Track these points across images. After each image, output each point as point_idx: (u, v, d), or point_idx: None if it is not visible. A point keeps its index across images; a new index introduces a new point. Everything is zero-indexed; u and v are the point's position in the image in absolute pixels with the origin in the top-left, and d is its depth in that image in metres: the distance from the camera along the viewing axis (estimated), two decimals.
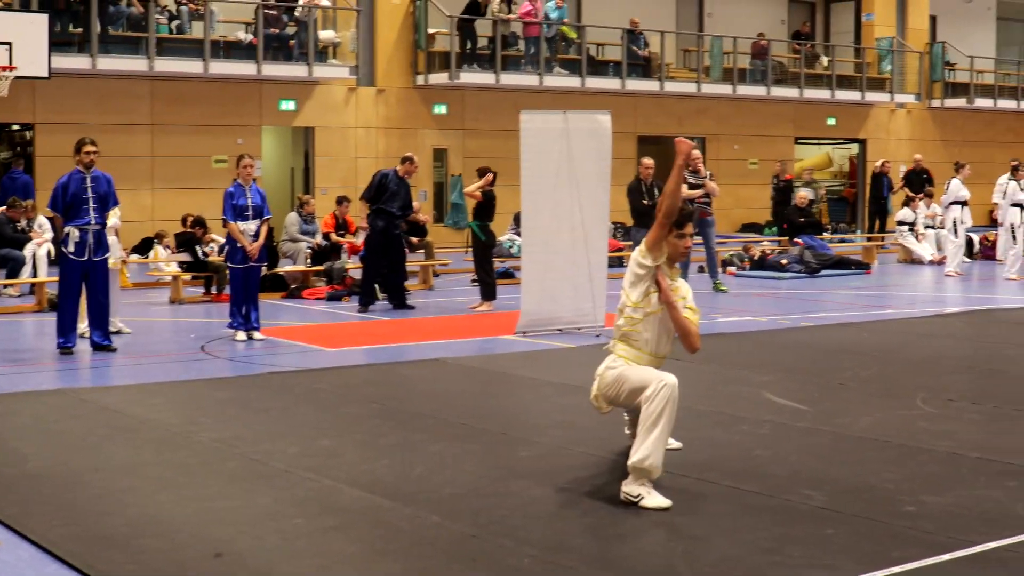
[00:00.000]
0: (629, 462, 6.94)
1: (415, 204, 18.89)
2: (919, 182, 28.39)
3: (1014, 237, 21.78)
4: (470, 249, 17.57)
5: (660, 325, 7.21)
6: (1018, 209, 21.75)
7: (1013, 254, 21.68)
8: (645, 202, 17.78)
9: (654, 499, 6.84)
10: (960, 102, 36.65)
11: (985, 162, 32.08)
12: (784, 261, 22.33)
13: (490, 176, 17.12)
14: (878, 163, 31.47)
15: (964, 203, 22.90)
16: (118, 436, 8.85)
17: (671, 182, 7.14)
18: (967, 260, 24.22)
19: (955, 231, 22.87)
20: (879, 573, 5.82)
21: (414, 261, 18.88)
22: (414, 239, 19.52)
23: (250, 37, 25.38)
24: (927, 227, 25.83)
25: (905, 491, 7.25)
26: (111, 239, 13.43)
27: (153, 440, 8.70)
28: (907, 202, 27.15)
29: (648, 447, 6.87)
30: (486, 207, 17.11)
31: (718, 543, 6.29)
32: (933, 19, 37.80)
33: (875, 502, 7.02)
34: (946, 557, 6.04)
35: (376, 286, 17.16)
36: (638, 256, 7.22)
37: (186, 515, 6.82)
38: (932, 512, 6.82)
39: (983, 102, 36.80)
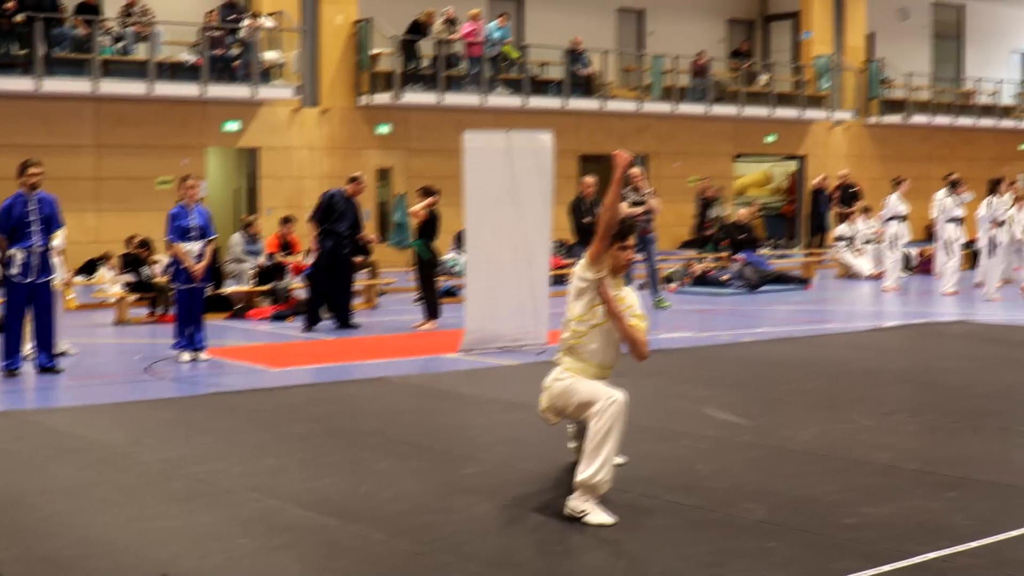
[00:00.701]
0: (576, 478, 6.98)
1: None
2: (848, 196, 28.69)
3: (949, 252, 22.04)
4: (414, 268, 17.64)
5: (606, 337, 7.28)
6: (954, 224, 22.01)
7: (950, 269, 21.98)
8: (587, 220, 17.92)
9: (598, 516, 6.89)
10: (897, 118, 37.07)
11: (922, 177, 32.47)
12: (725, 277, 22.56)
13: (434, 197, 17.23)
14: (817, 179, 31.75)
15: (903, 218, 23.15)
16: (63, 457, 8.83)
17: (610, 195, 7.23)
18: (904, 275, 24.52)
19: (893, 246, 23.16)
20: None
21: (358, 280, 18.93)
22: (358, 258, 19.58)
23: (194, 58, 25.38)
24: (866, 242, 26.16)
25: (845, 503, 7.32)
26: (55, 260, 13.41)
27: (98, 461, 8.69)
28: (843, 217, 27.50)
29: (596, 464, 6.93)
30: (430, 226, 17.17)
31: (661, 558, 6.35)
32: (870, 37, 38.16)
33: (816, 514, 7.10)
34: (886, 568, 6.11)
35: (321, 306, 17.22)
36: (580, 270, 7.33)
37: (131, 536, 6.80)
38: (872, 523, 6.89)
39: (919, 118, 37.23)
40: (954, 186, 22.08)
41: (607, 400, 7.03)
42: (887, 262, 23.46)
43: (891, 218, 23.25)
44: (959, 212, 22.04)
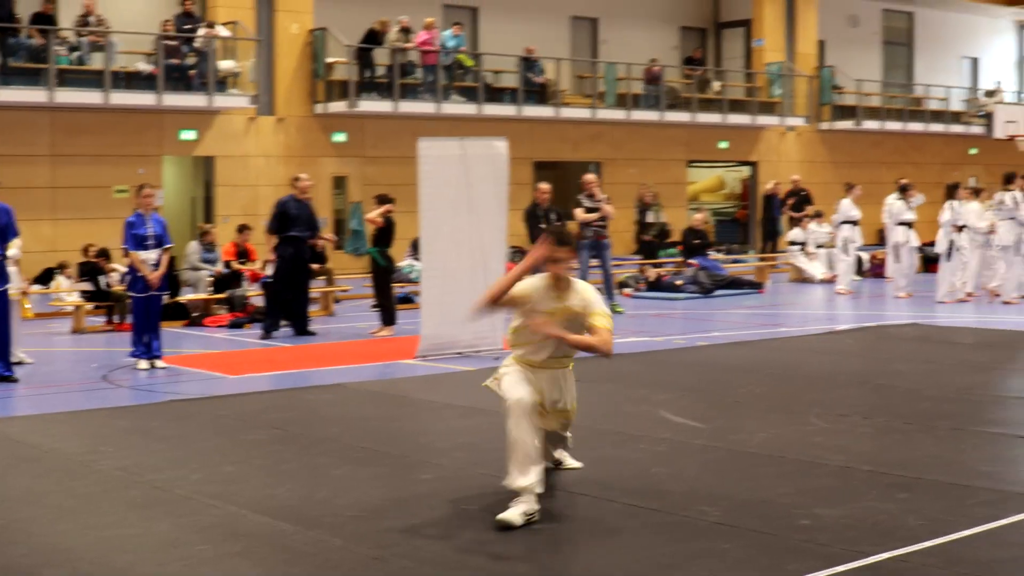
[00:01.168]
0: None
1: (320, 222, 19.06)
2: (799, 201, 28.90)
3: (898, 256, 22.24)
4: (370, 275, 17.73)
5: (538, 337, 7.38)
6: (904, 228, 22.23)
7: (900, 271, 22.18)
8: (542, 226, 18.06)
9: (510, 512, 6.99)
10: (848, 124, 37.36)
11: (873, 182, 32.79)
12: (679, 282, 22.74)
13: (391, 205, 17.32)
14: (769, 184, 31.97)
15: (855, 223, 23.34)
16: (20, 466, 8.79)
17: (506, 279, 7.37)
18: (857, 278, 24.78)
19: (845, 250, 23.39)
20: None
21: (315, 288, 19.01)
22: (315, 265, 19.66)
23: (150, 68, 25.39)
24: (819, 246, 26.44)
25: (800, 505, 7.39)
26: (12, 270, 13.42)
27: (55, 469, 8.68)
28: (794, 223, 27.73)
29: (509, 468, 7.13)
30: (386, 233, 17.26)
31: (618, 560, 6.40)
32: (821, 44, 38.43)
33: (771, 516, 7.16)
34: (840, 568, 6.16)
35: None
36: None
37: (88, 544, 6.80)
38: (826, 525, 6.96)
39: (870, 124, 37.52)
40: (904, 190, 22.31)
41: (505, 402, 7.18)
42: (840, 266, 23.67)
43: (844, 222, 23.44)
44: (909, 216, 22.24)
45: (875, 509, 7.29)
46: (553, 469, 8.02)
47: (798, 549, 6.53)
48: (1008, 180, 21.00)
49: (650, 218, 27.94)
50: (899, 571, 6.20)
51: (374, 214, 17.36)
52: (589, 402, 10.63)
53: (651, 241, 27.31)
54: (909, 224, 22.27)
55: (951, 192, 21.53)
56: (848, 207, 23.40)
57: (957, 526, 6.89)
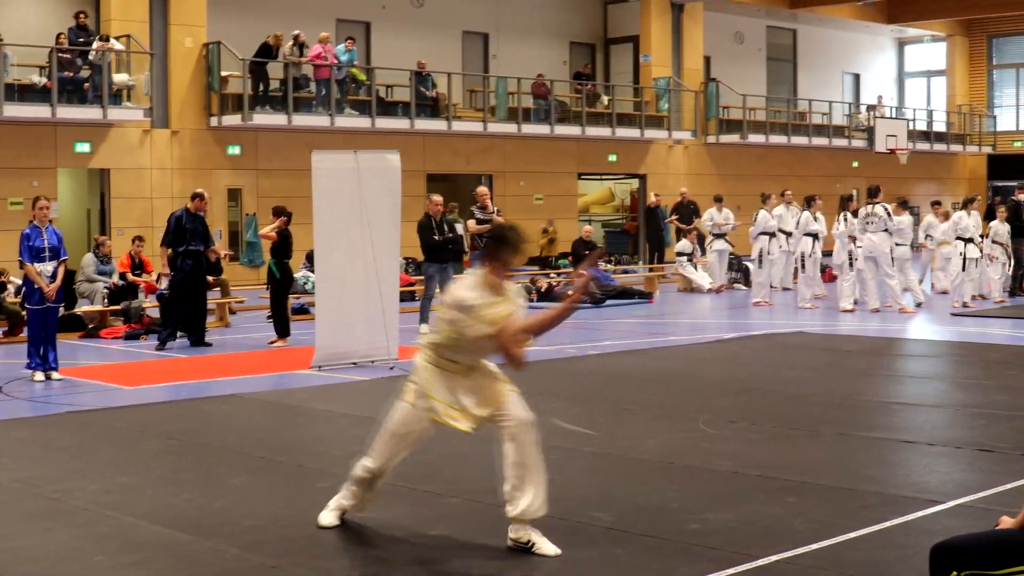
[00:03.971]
0: None
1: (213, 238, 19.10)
2: (687, 214, 29.19)
3: (803, 266, 22.46)
4: (267, 286, 17.83)
5: (469, 345, 7.10)
6: (811, 239, 22.47)
7: (806, 282, 22.44)
8: (436, 238, 18.29)
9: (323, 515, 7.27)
10: (734, 138, 37.87)
11: (759, 195, 33.43)
12: (570, 292, 23.01)
13: (284, 219, 17.48)
14: (652, 197, 32.25)
15: (772, 234, 23.52)
16: None
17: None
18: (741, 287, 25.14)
19: (760, 262, 23.44)
20: None
21: (211, 299, 18.95)
22: (211, 277, 19.70)
23: (44, 80, 25.32)
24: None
25: (690, 509, 7.50)
26: None
27: None
28: (679, 234, 28.21)
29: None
30: (283, 245, 17.38)
31: (510, 566, 6.48)
32: (707, 60, 38.95)
33: (661, 521, 7.25)
34: (730, 571, 6.28)
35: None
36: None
37: None
38: (716, 528, 7.07)
39: (756, 138, 38.04)
40: (810, 202, 22.70)
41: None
42: (757, 277, 23.74)
43: (761, 233, 23.58)
44: (816, 227, 22.53)
45: (763, 513, 7.43)
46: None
47: (689, 553, 6.65)
48: (873, 194, 21.13)
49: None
50: (788, 573, 6.35)
51: (267, 229, 17.48)
52: None
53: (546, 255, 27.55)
54: (815, 235, 22.56)
55: (844, 204, 21.99)
56: (765, 218, 23.64)
57: (843, 528, 7.04)
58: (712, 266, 26.81)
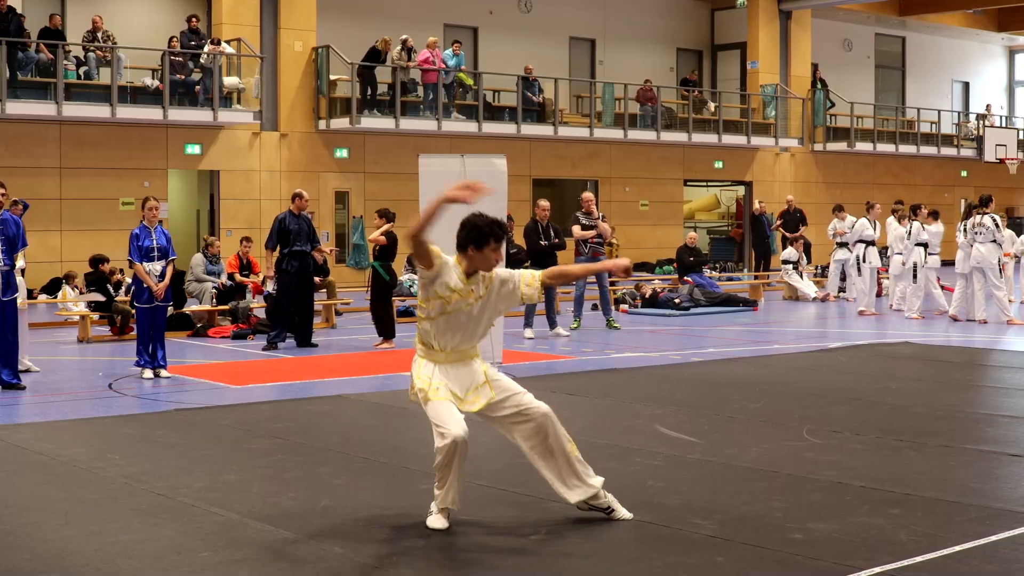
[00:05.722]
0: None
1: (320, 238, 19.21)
2: (793, 222, 29.02)
3: (915, 277, 21.85)
4: (369, 288, 17.91)
5: (443, 324, 7.36)
6: (922, 249, 21.77)
7: (916, 292, 21.92)
8: (543, 243, 18.35)
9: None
10: (841, 146, 37.62)
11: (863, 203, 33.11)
12: (677, 300, 22.98)
13: (390, 222, 17.49)
14: (756, 205, 32.09)
15: (870, 242, 23.25)
16: (27, 472, 8.80)
17: (419, 222, 7.24)
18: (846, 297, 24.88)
19: (859, 270, 23.27)
20: None
21: (317, 300, 19.05)
22: (317, 278, 19.88)
23: (156, 83, 25.82)
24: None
25: (792, 519, 7.38)
26: (20, 280, 13.58)
27: (61, 476, 8.67)
28: (785, 242, 27.98)
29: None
30: (389, 248, 17.45)
31: (614, 572, 6.40)
32: (815, 66, 38.74)
33: (763, 530, 7.14)
34: None
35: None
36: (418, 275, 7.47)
37: (92, 549, 6.76)
38: (818, 539, 6.95)
39: (863, 146, 37.78)
40: (917, 211, 22.08)
41: (444, 437, 7.04)
42: (857, 285, 23.50)
43: (859, 241, 23.41)
44: (925, 238, 21.88)
45: (866, 524, 7.30)
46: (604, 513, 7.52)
47: (789, 562, 6.55)
48: (984, 203, 20.72)
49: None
50: None
51: (376, 234, 17.51)
52: (586, 416, 10.77)
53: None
54: (925, 246, 21.91)
55: (968, 213, 21.27)
56: (863, 226, 23.40)
57: (948, 542, 6.89)
58: (833, 276, 26.53)
